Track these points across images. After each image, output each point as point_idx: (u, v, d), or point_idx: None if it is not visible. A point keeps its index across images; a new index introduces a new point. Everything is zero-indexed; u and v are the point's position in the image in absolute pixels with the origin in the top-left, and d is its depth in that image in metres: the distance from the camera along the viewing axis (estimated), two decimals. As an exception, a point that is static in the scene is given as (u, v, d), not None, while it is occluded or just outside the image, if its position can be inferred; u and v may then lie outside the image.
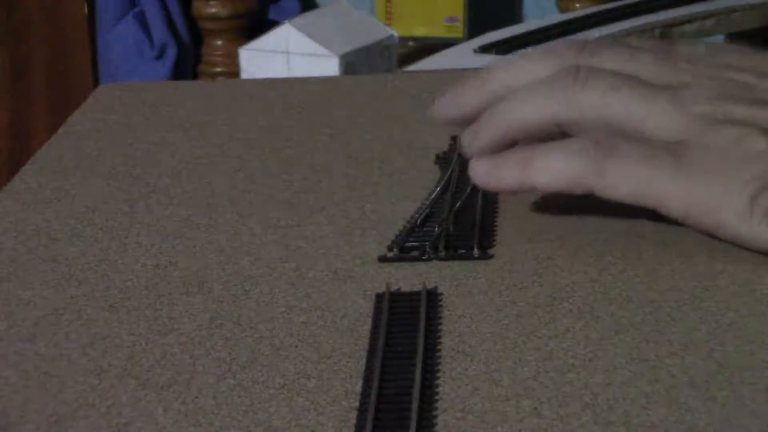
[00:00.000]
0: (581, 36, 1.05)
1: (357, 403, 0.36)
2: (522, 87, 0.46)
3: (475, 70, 0.50)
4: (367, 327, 0.41)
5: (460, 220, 0.48)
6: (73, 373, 0.39)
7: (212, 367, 0.39)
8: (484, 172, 0.46)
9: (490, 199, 0.50)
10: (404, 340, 0.39)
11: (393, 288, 0.43)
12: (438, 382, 0.37)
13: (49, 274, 0.46)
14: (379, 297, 0.43)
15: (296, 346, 0.40)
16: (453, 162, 0.53)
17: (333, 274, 0.45)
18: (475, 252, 0.45)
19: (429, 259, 0.45)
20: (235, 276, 0.45)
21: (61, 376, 0.39)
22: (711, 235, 0.44)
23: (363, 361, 0.39)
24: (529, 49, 0.50)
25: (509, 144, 0.47)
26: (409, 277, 0.44)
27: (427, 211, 0.49)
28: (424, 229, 0.48)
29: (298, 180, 0.54)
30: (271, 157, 0.57)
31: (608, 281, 0.43)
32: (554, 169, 0.44)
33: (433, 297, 0.43)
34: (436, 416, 0.36)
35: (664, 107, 0.44)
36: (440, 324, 0.41)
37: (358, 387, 0.37)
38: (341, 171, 0.55)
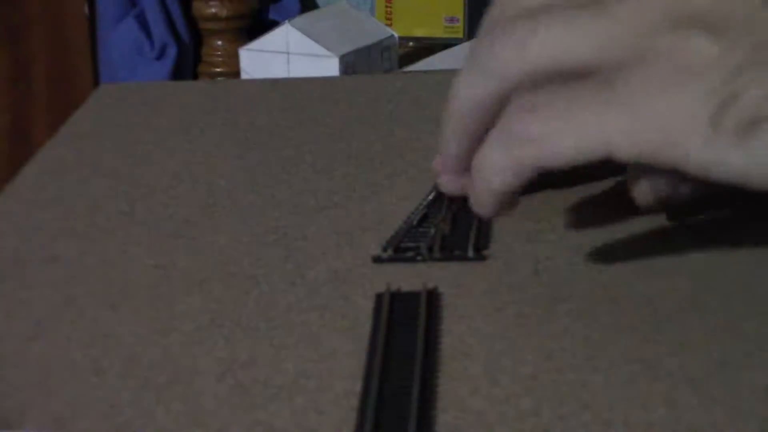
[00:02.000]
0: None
1: (357, 403, 0.36)
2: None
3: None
4: (367, 327, 0.41)
5: (457, 221, 0.48)
6: (73, 373, 0.39)
7: (212, 367, 0.39)
8: (474, 209, 0.42)
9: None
10: (404, 340, 0.40)
11: (393, 288, 0.43)
12: (438, 382, 0.37)
13: (49, 274, 0.46)
14: (379, 297, 0.43)
15: (296, 346, 0.40)
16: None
17: (333, 274, 0.45)
18: (470, 253, 0.45)
19: (423, 260, 0.45)
20: (235, 276, 0.45)
21: (61, 376, 0.39)
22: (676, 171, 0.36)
23: (363, 361, 0.39)
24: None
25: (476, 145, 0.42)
26: (409, 277, 0.44)
27: (424, 211, 0.49)
28: (420, 229, 0.48)
29: (298, 180, 0.54)
30: (271, 157, 0.57)
31: (608, 281, 0.43)
32: (498, 165, 0.39)
33: (433, 297, 0.43)
34: (436, 416, 0.36)
35: (588, 27, 0.36)
36: (440, 324, 0.41)
37: (358, 387, 0.37)
38: (341, 171, 0.55)
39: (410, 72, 0.92)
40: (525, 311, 0.41)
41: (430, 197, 0.50)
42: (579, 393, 0.37)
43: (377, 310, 0.42)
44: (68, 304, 0.43)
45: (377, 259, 0.46)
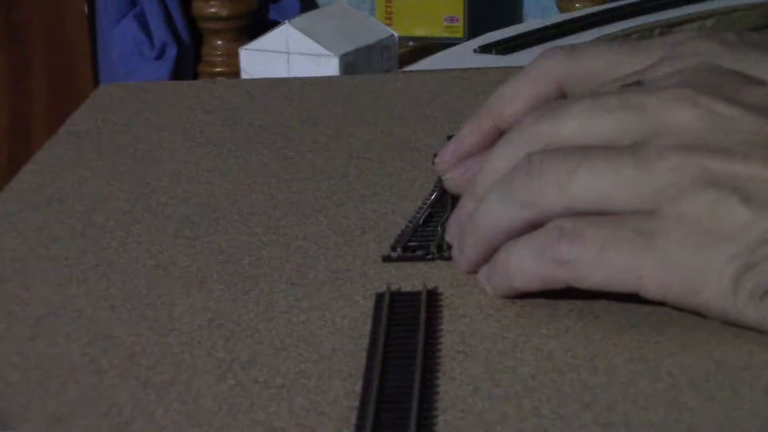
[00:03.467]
0: (578, 37, 1.05)
1: (357, 403, 0.36)
2: (487, 193, 0.43)
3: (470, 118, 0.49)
4: (367, 327, 0.41)
5: (460, 220, 0.48)
6: (73, 373, 0.39)
7: (212, 367, 0.39)
8: (485, 287, 0.43)
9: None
10: (404, 340, 0.40)
11: (393, 288, 0.43)
12: (438, 382, 0.37)
13: (49, 274, 0.46)
14: (379, 297, 0.43)
15: (296, 346, 0.40)
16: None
17: (333, 274, 0.45)
18: (477, 252, 0.45)
19: (433, 259, 0.45)
20: (235, 276, 0.45)
21: (61, 376, 0.39)
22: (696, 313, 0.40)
23: (363, 361, 0.39)
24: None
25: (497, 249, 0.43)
26: (410, 277, 0.44)
27: (429, 211, 0.49)
28: (427, 229, 0.48)
29: (298, 180, 0.54)
30: (271, 157, 0.57)
31: (608, 281, 0.43)
32: (527, 271, 0.41)
33: (433, 297, 0.43)
34: (436, 416, 0.36)
35: (628, 177, 0.39)
36: (440, 324, 0.41)
37: (358, 387, 0.37)
38: (341, 171, 0.55)
39: (410, 72, 0.92)
40: (525, 311, 0.41)
41: (434, 196, 0.50)
42: (579, 393, 0.37)
43: (377, 310, 0.42)
44: (68, 304, 0.43)
45: (386, 259, 0.46)
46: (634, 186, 0.39)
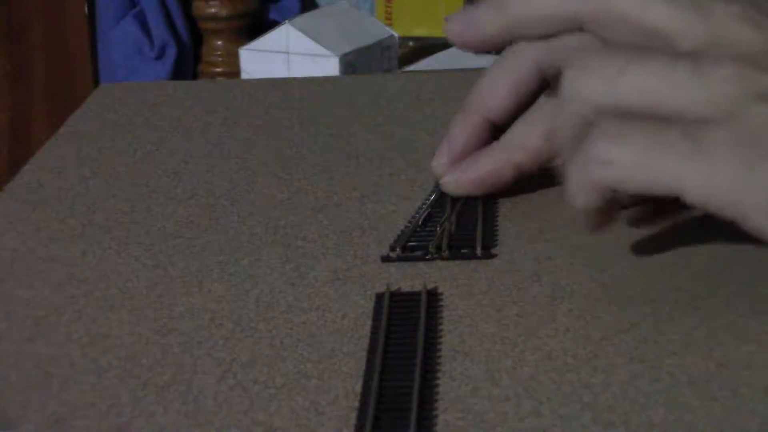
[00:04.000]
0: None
1: (357, 403, 0.36)
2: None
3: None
4: (367, 327, 0.41)
5: (461, 221, 0.48)
6: (73, 373, 0.39)
7: (212, 367, 0.39)
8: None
9: (491, 200, 0.50)
10: (404, 340, 0.40)
11: (393, 288, 0.43)
12: (438, 382, 0.37)
13: (49, 274, 0.46)
14: (379, 297, 0.43)
15: (296, 346, 0.40)
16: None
17: (333, 274, 0.45)
18: (478, 251, 0.45)
19: (432, 259, 0.45)
20: (235, 276, 0.45)
21: (61, 376, 0.39)
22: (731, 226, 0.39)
23: (363, 361, 0.39)
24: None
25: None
26: (410, 277, 0.44)
27: (428, 211, 0.49)
28: (426, 229, 0.48)
29: (298, 180, 0.54)
30: (271, 157, 0.57)
31: (608, 281, 0.43)
32: (570, 179, 0.40)
33: (433, 297, 0.43)
34: (436, 416, 0.36)
35: (683, 80, 0.38)
36: (440, 324, 0.41)
37: (358, 387, 0.37)
38: (341, 171, 0.55)
39: (410, 72, 0.93)
40: (525, 311, 0.41)
41: (433, 196, 0.50)
42: (579, 393, 0.37)
43: (377, 310, 0.42)
44: (68, 304, 0.43)
45: (386, 259, 0.46)
46: (688, 90, 0.39)
